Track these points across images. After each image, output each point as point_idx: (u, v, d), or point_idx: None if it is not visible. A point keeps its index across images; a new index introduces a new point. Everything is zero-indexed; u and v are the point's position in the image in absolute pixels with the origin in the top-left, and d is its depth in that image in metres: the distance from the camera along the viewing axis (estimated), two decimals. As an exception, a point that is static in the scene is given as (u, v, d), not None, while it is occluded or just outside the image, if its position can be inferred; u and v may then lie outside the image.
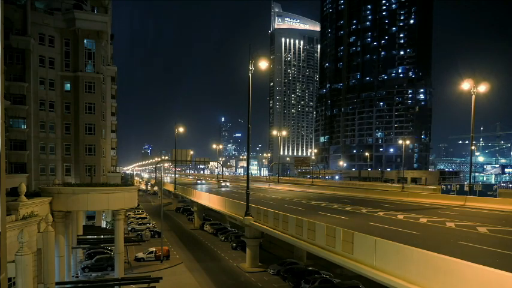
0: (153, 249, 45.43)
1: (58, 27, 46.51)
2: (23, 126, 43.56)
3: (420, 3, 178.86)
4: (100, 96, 49.60)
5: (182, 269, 41.83)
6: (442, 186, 55.36)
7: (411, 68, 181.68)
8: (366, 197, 57.12)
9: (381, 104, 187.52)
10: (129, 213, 73.48)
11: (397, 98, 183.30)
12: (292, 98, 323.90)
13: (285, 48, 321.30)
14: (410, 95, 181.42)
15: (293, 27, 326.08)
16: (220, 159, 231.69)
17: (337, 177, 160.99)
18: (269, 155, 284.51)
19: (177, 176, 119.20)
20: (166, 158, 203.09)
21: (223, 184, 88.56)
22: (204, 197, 58.15)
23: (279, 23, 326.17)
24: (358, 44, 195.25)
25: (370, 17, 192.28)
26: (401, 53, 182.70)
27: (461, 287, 13.89)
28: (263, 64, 35.20)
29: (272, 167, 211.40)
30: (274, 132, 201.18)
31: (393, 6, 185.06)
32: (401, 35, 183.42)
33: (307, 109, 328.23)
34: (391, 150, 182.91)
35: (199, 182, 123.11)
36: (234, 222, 45.40)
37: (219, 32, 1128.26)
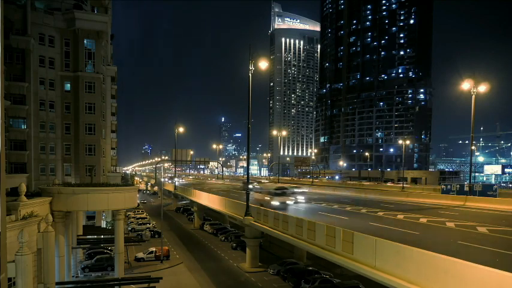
0: (153, 249, 45.45)
1: (58, 27, 46.49)
2: (23, 126, 43.54)
3: (420, 3, 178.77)
4: (100, 96, 49.60)
5: (182, 269, 41.85)
6: (442, 186, 55.34)
7: (411, 68, 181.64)
8: (366, 197, 57.08)
9: (381, 104, 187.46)
10: (129, 213, 73.48)
11: (397, 98, 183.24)
12: (292, 98, 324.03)
13: (285, 48, 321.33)
14: (410, 95, 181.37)
15: (293, 27, 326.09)
16: (220, 159, 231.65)
17: (337, 177, 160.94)
18: (269, 155, 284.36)
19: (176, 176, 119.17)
20: (166, 158, 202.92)
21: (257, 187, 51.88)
22: (204, 197, 58.09)
23: (279, 23, 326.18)
24: (358, 44, 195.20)
25: (370, 17, 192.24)
26: (401, 53, 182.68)
27: (461, 287, 13.91)
28: (263, 64, 35.15)
29: (272, 167, 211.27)
30: (274, 132, 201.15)
31: (393, 6, 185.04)
32: (401, 35, 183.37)
33: (307, 109, 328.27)
34: (391, 150, 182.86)
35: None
36: (234, 222, 45.40)
37: (219, 32, 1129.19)
